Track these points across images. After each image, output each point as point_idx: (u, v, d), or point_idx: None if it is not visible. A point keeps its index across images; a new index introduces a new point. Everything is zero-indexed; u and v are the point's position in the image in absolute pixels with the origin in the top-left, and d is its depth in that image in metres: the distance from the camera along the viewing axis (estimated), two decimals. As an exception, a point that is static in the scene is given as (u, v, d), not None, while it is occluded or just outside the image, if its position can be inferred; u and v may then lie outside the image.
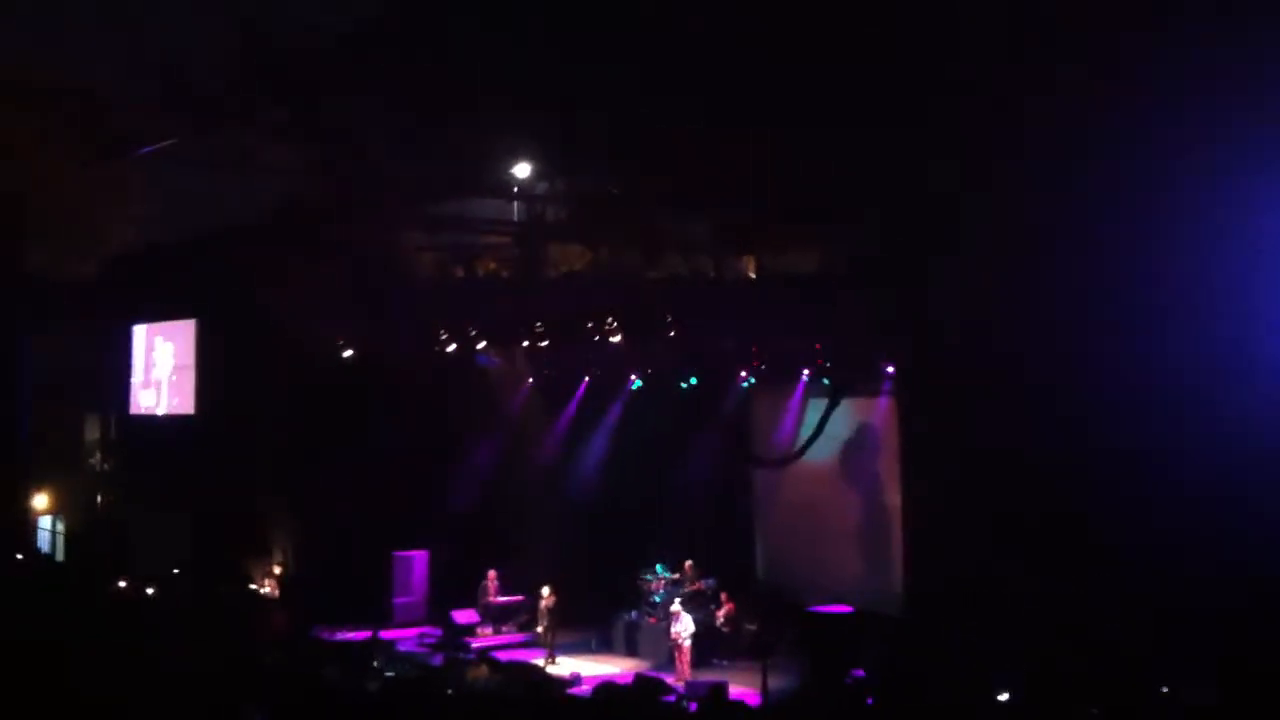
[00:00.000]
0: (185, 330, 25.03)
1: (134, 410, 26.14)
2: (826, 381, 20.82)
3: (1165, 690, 12.35)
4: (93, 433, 26.88)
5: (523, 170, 19.88)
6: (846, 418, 21.15)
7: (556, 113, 16.73)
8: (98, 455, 26.89)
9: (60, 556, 25.41)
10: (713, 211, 20.13)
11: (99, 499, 26.45)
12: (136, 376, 26.09)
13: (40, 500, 25.73)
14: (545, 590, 21.62)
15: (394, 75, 16.72)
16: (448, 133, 18.11)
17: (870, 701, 13.15)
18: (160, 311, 25.40)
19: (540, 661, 20.16)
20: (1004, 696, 11.78)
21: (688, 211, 20.53)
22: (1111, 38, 13.98)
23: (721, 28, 14.78)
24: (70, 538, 26.04)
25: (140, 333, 26.07)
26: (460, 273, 24.15)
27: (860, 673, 15.93)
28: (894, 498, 20.75)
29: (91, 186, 20.24)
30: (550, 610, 21.48)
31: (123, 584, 21.13)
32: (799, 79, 15.12)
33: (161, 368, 25.68)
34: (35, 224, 21.01)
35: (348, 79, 17.15)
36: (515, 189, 20.83)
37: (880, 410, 21.19)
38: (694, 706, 13.30)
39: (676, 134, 16.86)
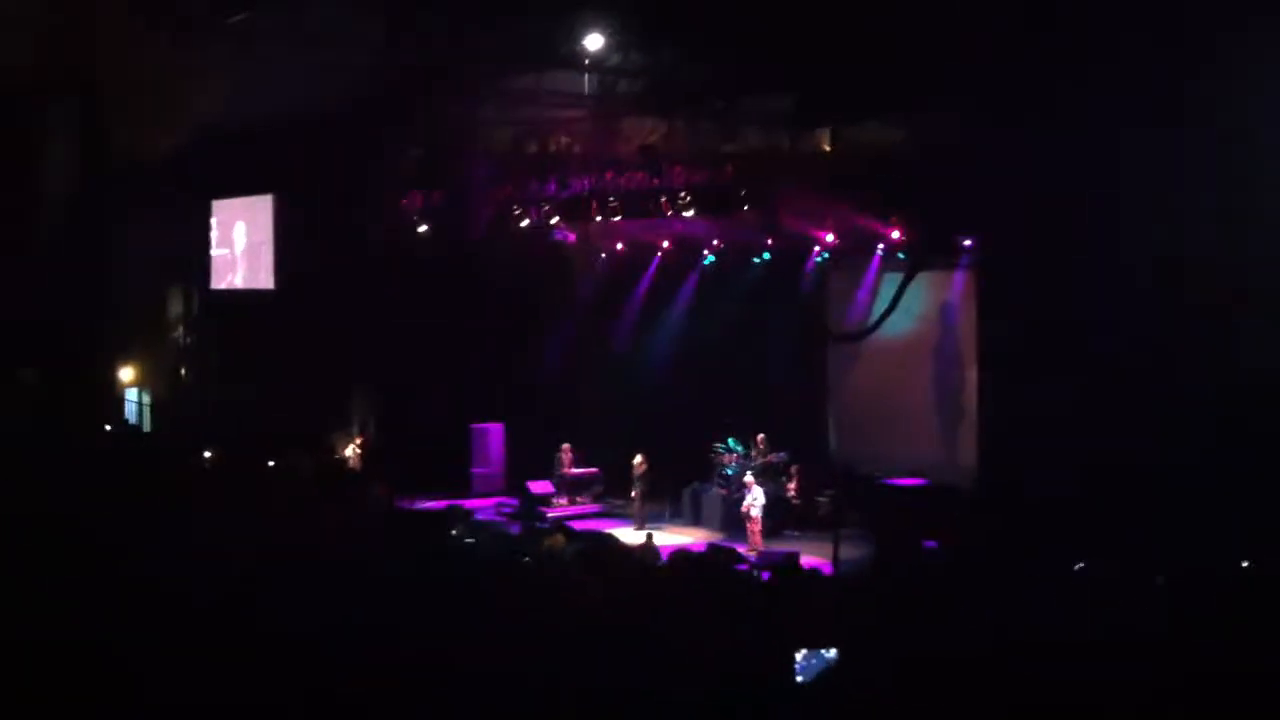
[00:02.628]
0: (263, 205, 25.23)
1: (215, 285, 26.55)
2: (902, 256, 20.63)
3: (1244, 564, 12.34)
4: (175, 307, 27.33)
5: (594, 42, 19.63)
6: (922, 293, 20.99)
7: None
8: (181, 329, 27.39)
9: (147, 428, 26.05)
10: (788, 85, 19.82)
11: (183, 372, 27.02)
12: (216, 251, 26.43)
13: (126, 373, 26.32)
14: (638, 458, 21.88)
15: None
16: (520, 4, 17.92)
17: (942, 572, 13.25)
18: (238, 187, 25.60)
19: (625, 531, 20.39)
20: (1079, 566, 11.83)
21: (762, 85, 20.22)
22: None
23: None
24: (156, 410, 26.67)
25: (219, 208, 26.34)
26: (534, 147, 24.05)
27: (932, 544, 16.03)
28: (970, 372, 20.66)
29: (169, 62, 20.32)
30: (642, 478, 21.80)
31: (208, 454, 21.70)
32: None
33: (240, 243, 25.99)
34: (114, 99, 21.18)
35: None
36: (587, 61, 20.60)
37: (957, 285, 21.02)
38: (766, 576, 13.48)
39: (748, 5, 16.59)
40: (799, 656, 6.35)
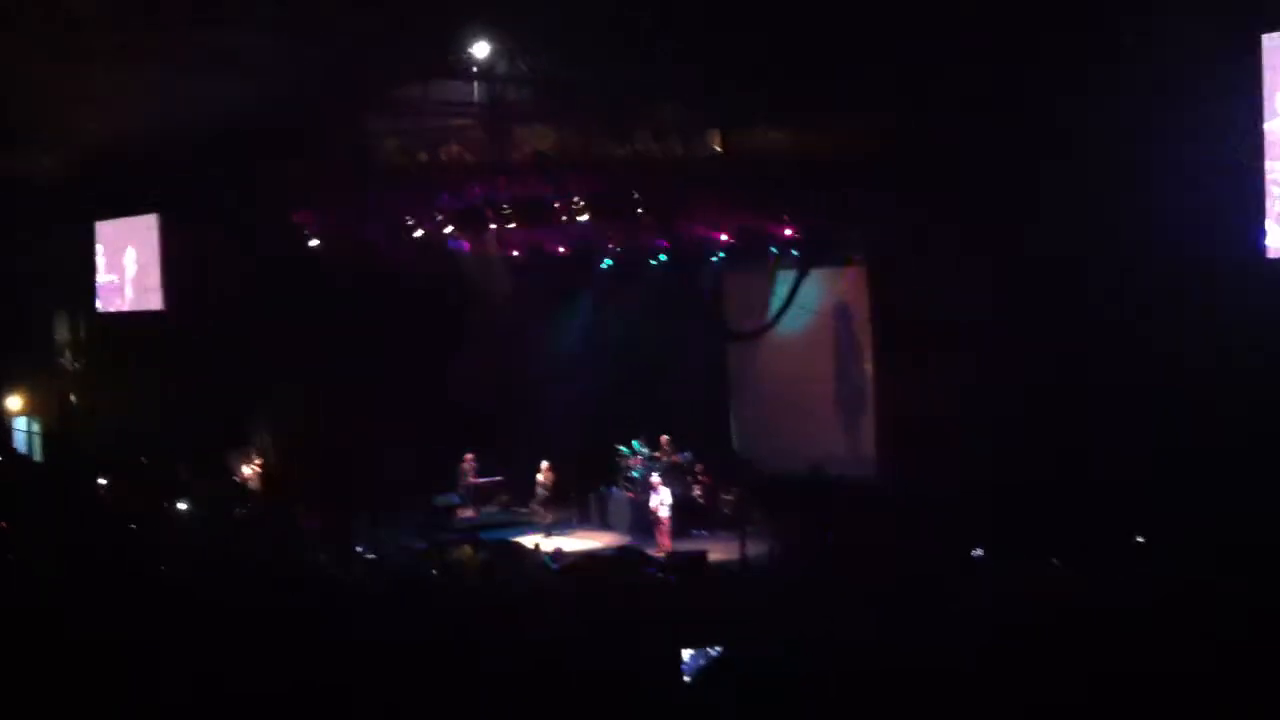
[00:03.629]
0: (148, 225, 24.75)
1: (102, 308, 25.99)
2: (795, 253, 20.92)
3: (1139, 540, 12.69)
4: (62, 332, 26.72)
5: (482, 50, 19.59)
6: (816, 289, 21.29)
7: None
8: (69, 354, 26.77)
9: (38, 457, 25.44)
10: (680, 92, 19.98)
11: (73, 398, 26.40)
12: (102, 274, 25.88)
13: (14, 401, 25.68)
14: (544, 465, 21.86)
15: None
16: (407, 13, 17.82)
17: (842, 564, 13.45)
18: (122, 208, 25.09)
19: (533, 539, 20.36)
20: (978, 552, 12.09)
21: (654, 92, 20.34)
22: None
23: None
24: (47, 437, 26.04)
25: (102, 229, 25.78)
26: (424, 157, 23.89)
27: (832, 537, 16.27)
28: (866, 366, 20.99)
29: (54, 84, 19.89)
30: (548, 486, 21.78)
31: (103, 481, 21.25)
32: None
33: (126, 264, 25.47)
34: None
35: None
36: (475, 70, 20.55)
37: (850, 280, 21.34)
38: (672, 577, 13.59)
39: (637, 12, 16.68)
40: (686, 655, 6.43)
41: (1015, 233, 16.52)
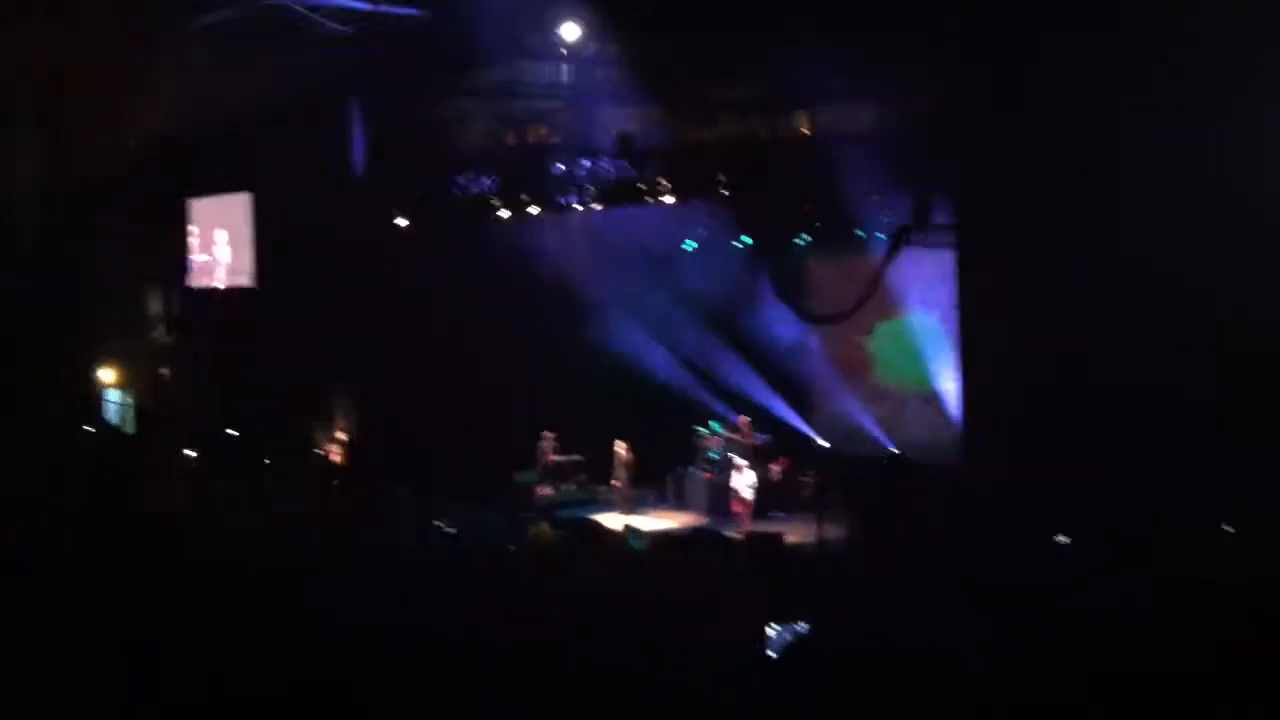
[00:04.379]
0: (240, 204, 25.18)
1: (194, 284, 26.48)
2: (882, 236, 20.70)
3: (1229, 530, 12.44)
4: (155, 306, 27.25)
5: (570, 32, 19.65)
6: (903, 273, 21.07)
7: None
8: (161, 328, 27.30)
9: (130, 429, 25.99)
10: (764, 71, 19.89)
11: (165, 372, 26.93)
12: (194, 251, 26.36)
13: (107, 374, 26.24)
14: (620, 444, 21.90)
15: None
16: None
17: (922, 550, 13.33)
18: (215, 186, 25.53)
19: (610, 517, 20.44)
20: (1062, 538, 11.91)
21: (738, 72, 20.28)
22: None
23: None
24: (138, 410, 26.60)
25: (196, 207, 26.27)
26: (512, 139, 24.05)
27: (916, 522, 16.12)
28: (950, 352, 20.73)
29: (134, 63, 20.28)
30: (624, 463, 21.84)
31: (192, 454, 21.66)
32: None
33: (218, 242, 25.92)
34: (86, 100, 21.11)
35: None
36: (564, 52, 20.63)
37: (938, 264, 21.06)
38: (750, 556, 13.55)
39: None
40: (770, 631, 6.40)
41: (1111, 220, 16.18)
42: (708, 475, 21.79)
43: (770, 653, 6.37)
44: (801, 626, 6.34)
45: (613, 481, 22.24)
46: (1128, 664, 6.28)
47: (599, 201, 22.06)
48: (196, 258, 26.32)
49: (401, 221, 23.75)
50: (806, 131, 21.37)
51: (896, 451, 20.36)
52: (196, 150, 23.49)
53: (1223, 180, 14.60)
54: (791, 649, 6.20)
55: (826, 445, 22.35)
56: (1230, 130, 14.57)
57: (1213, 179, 14.60)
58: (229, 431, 22.96)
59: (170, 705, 6.14)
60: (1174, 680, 5.81)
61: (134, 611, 7.46)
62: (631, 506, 21.63)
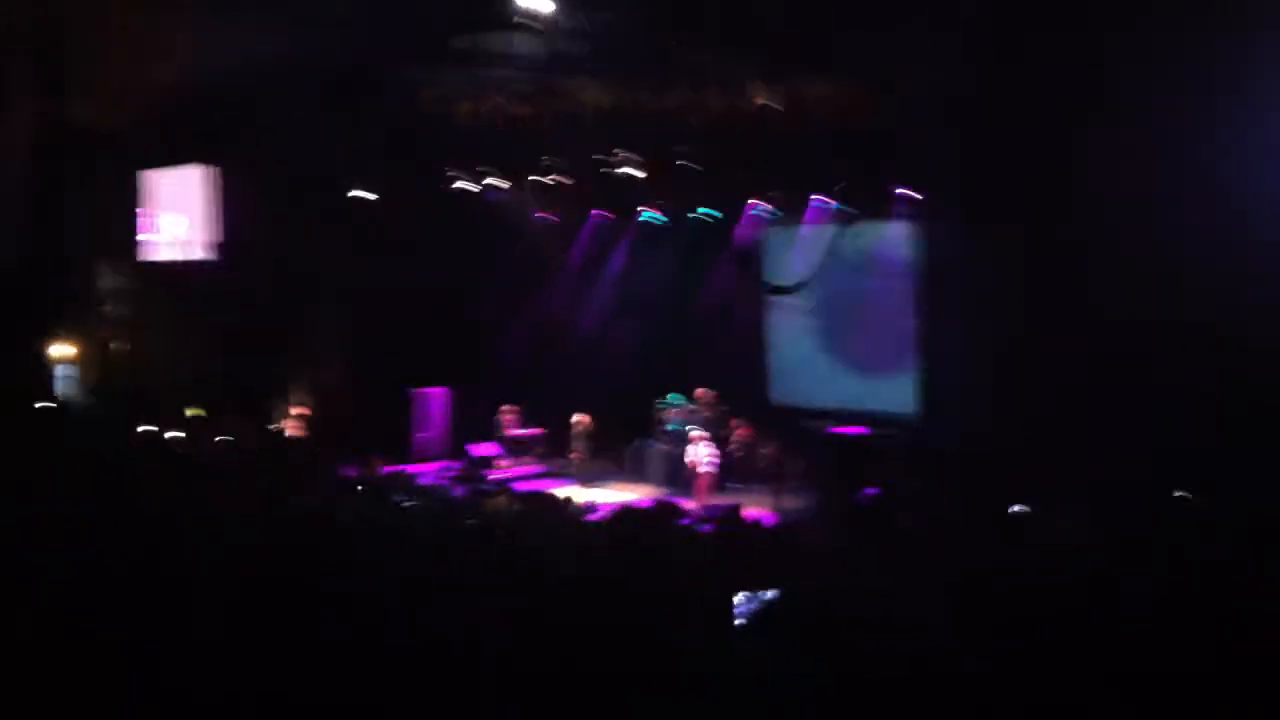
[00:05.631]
0: (194, 177, 24.86)
1: (147, 256, 26.15)
2: (838, 206, 20.70)
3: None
4: (105, 281, 26.89)
5: (544, 4, 19.50)
6: (861, 242, 21.09)
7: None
8: (113, 302, 26.95)
9: (82, 404, 25.67)
10: (727, 41, 19.79)
11: (116, 346, 26.61)
12: (147, 223, 26.02)
13: (58, 349, 25.90)
14: (578, 416, 21.83)
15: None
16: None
17: (881, 517, 13.34)
18: (168, 158, 25.20)
19: (569, 489, 20.39)
20: (1016, 508, 11.97)
21: (699, 43, 20.16)
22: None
23: None
24: (90, 385, 26.27)
25: (147, 179, 25.91)
26: (469, 109, 23.80)
27: (872, 490, 16.14)
28: (908, 321, 20.78)
29: (101, 31, 19.96)
30: (582, 436, 21.77)
31: (145, 429, 21.41)
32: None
33: (171, 215, 25.59)
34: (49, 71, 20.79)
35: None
36: (529, 22, 20.44)
37: (895, 234, 21.10)
38: (707, 528, 13.51)
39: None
40: (738, 600, 6.37)
41: (1063, 197, 16.26)
42: (666, 448, 21.77)
43: (739, 620, 6.34)
44: (770, 594, 6.31)
45: (571, 454, 22.21)
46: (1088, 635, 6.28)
47: (558, 172, 21.95)
48: (148, 230, 25.98)
49: (365, 194, 23.54)
50: (766, 101, 21.29)
51: (854, 422, 20.39)
52: (150, 121, 23.14)
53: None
54: (761, 615, 6.18)
55: (785, 416, 22.36)
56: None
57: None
58: (185, 407, 22.73)
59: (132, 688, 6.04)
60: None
61: (88, 590, 7.34)
62: (590, 479, 21.58)
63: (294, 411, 24.45)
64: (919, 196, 19.65)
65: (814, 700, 5.46)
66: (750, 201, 22.17)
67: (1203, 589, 7.01)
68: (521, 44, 21.24)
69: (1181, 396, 15.23)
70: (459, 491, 19.24)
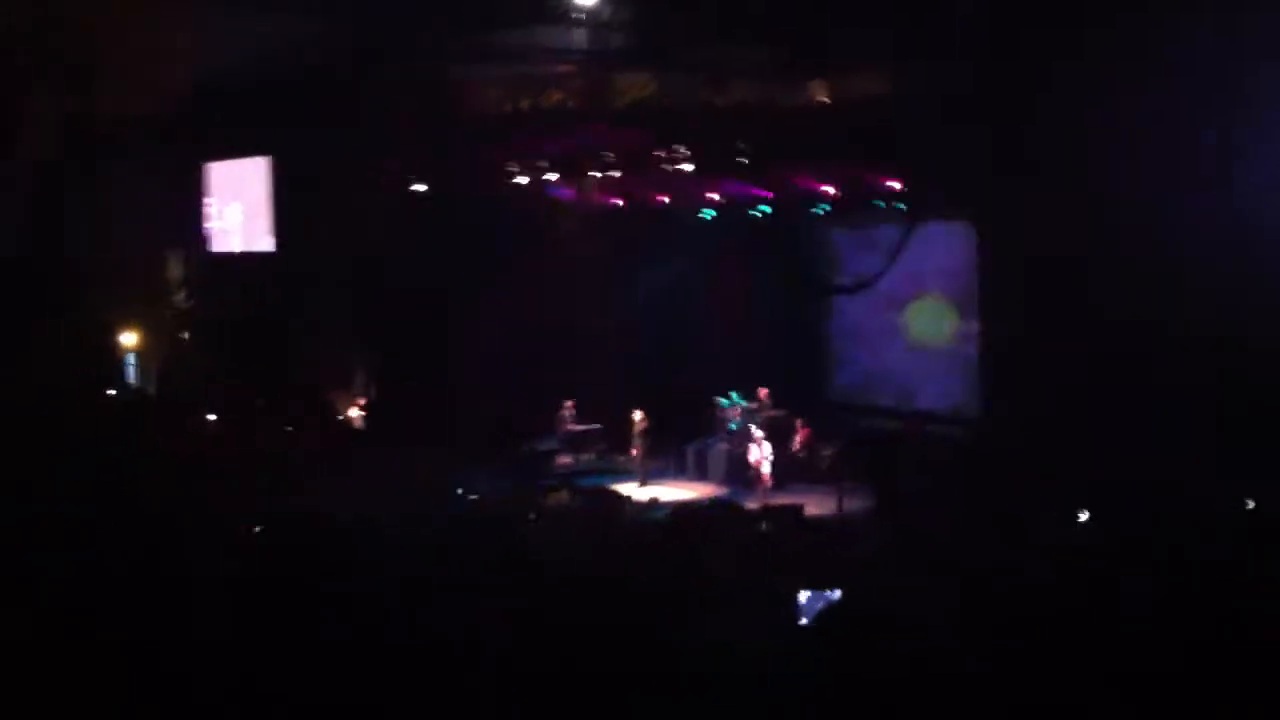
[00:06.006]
0: (259, 167, 25.15)
1: (213, 248, 26.50)
2: (902, 207, 20.56)
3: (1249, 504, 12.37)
4: (175, 270, 27.27)
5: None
6: (923, 244, 20.94)
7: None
8: (182, 292, 27.32)
9: (150, 391, 26.06)
10: (779, 37, 19.74)
11: (185, 335, 26.98)
12: (213, 214, 26.36)
13: (128, 337, 26.29)
14: (638, 414, 21.86)
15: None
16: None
17: (936, 520, 13.32)
18: (233, 149, 25.50)
19: (628, 486, 20.44)
20: (1084, 516, 11.86)
21: (755, 38, 20.12)
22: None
23: None
24: (159, 374, 26.66)
25: (215, 170, 26.24)
26: (526, 104, 23.90)
27: (933, 493, 16.10)
28: (971, 324, 20.65)
29: (160, 24, 20.22)
30: (642, 433, 21.81)
31: (211, 417, 21.73)
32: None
33: (237, 206, 25.91)
34: (108, 61, 21.06)
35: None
36: (579, 16, 20.51)
37: (958, 236, 20.94)
38: (767, 527, 13.55)
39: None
40: (802, 598, 6.38)
41: (1117, 190, 16.09)
42: (727, 446, 21.75)
43: (803, 619, 6.35)
44: (834, 594, 6.31)
45: (631, 451, 22.25)
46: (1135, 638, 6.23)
47: (617, 169, 21.95)
48: (215, 222, 26.31)
49: (420, 187, 23.68)
50: (825, 100, 21.21)
51: (916, 424, 20.30)
52: (214, 112, 23.43)
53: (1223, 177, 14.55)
54: (825, 616, 6.17)
55: (846, 416, 22.29)
56: (1231, 127, 14.48)
57: (1214, 176, 14.56)
58: (249, 396, 23.03)
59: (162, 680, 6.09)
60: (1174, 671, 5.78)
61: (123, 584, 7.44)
62: (649, 476, 21.62)
63: (357, 402, 24.68)
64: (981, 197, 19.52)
65: (875, 698, 5.46)
66: (812, 199, 22.04)
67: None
68: (578, 39, 21.33)
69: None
70: (521, 485, 19.40)
